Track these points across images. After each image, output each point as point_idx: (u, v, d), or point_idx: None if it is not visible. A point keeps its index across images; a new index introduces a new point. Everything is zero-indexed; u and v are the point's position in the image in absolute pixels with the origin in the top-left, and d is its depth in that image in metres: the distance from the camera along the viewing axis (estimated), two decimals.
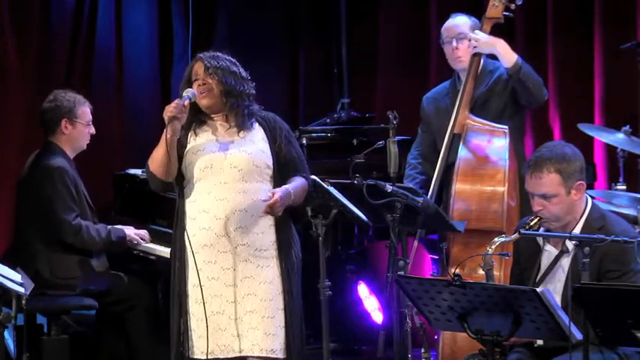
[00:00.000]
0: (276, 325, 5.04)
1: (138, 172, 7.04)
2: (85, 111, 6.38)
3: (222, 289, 5.02)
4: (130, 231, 6.38)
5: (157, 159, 5.05)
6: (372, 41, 8.54)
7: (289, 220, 5.18)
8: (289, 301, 5.08)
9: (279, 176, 5.13)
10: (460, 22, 6.04)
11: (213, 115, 5.15)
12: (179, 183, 5.12)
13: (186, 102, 5.00)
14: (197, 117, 5.13)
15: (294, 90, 8.68)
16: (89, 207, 6.35)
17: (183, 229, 5.06)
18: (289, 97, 8.62)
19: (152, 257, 6.36)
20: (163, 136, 4.99)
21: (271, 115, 5.24)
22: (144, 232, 6.44)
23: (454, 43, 5.98)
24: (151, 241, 6.42)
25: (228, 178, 5.03)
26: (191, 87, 5.10)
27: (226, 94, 5.09)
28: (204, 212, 5.03)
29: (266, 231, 5.08)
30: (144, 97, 8.09)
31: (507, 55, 5.84)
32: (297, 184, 5.12)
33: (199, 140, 5.11)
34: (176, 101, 5.00)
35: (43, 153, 6.33)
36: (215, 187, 5.03)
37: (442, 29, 6.10)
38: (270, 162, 5.09)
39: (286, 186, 5.08)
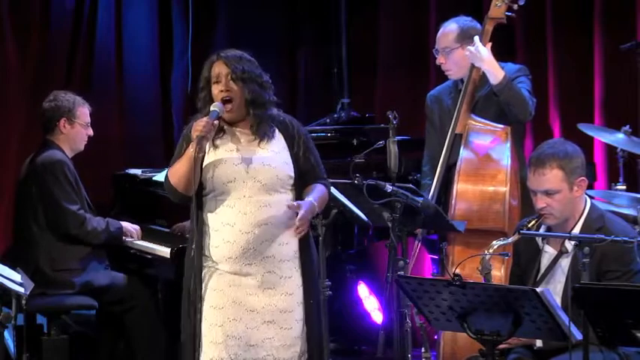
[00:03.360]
0: (292, 336, 4.95)
1: (138, 172, 7.05)
2: (83, 112, 6.41)
3: (243, 297, 4.90)
4: (126, 224, 6.41)
5: (179, 174, 4.86)
6: (372, 41, 8.54)
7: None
8: (310, 312, 4.99)
9: (299, 183, 4.99)
10: (447, 33, 6.00)
11: (232, 123, 4.97)
12: (197, 194, 4.91)
13: (216, 121, 4.81)
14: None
15: (294, 90, 8.68)
16: (88, 205, 6.37)
17: (203, 237, 4.90)
18: (289, 97, 8.62)
19: (149, 257, 6.36)
20: (189, 153, 4.81)
21: (288, 119, 5.06)
22: (136, 228, 6.45)
23: (440, 57, 5.99)
24: (151, 241, 6.42)
25: (251, 192, 4.88)
26: (210, 88, 4.92)
27: (251, 103, 4.91)
28: (228, 225, 4.87)
29: (289, 241, 4.95)
30: (144, 97, 8.09)
31: (494, 72, 5.81)
32: (319, 193, 4.97)
33: (220, 152, 4.92)
34: (205, 119, 4.79)
35: (41, 150, 6.36)
36: (238, 200, 4.88)
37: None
38: (292, 172, 4.95)
39: (309, 199, 4.91)
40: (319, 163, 5.08)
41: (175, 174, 4.90)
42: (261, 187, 4.88)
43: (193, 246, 4.93)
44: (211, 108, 4.85)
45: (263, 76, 5.00)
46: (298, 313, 4.97)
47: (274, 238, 4.91)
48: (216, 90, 4.92)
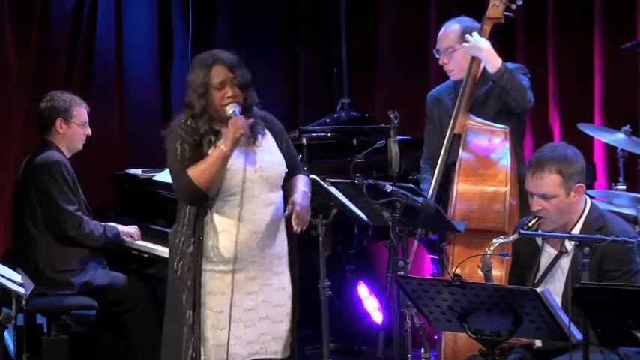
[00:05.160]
0: (283, 329, 5.05)
1: (137, 172, 7.05)
2: (80, 112, 6.39)
3: (241, 297, 4.97)
4: (123, 227, 6.41)
5: (209, 174, 4.84)
6: (372, 41, 8.54)
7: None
8: (296, 306, 5.09)
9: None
10: (449, 33, 6.01)
11: (217, 126, 4.96)
12: None
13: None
14: (211, 127, 4.94)
15: (294, 90, 8.68)
16: (86, 207, 6.37)
17: (201, 237, 4.91)
18: (289, 97, 8.62)
19: (146, 256, 6.36)
20: (222, 153, 4.83)
21: (269, 117, 5.11)
22: (133, 230, 6.44)
23: (442, 57, 5.99)
24: (151, 241, 6.42)
25: (259, 191, 4.94)
26: (207, 92, 4.89)
27: (248, 107, 4.97)
28: (235, 226, 4.92)
29: (282, 237, 5.05)
30: (144, 97, 8.10)
31: (492, 60, 5.82)
32: (304, 182, 5.07)
33: None
34: (242, 119, 4.84)
35: (40, 150, 6.35)
36: (247, 200, 4.92)
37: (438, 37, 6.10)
38: (286, 168, 5.05)
39: (301, 189, 5.00)
40: (297, 157, 5.22)
41: (203, 175, 4.85)
42: (267, 185, 4.96)
43: (190, 250, 4.92)
44: (232, 109, 4.86)
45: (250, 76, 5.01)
46: (288, 306, 5.07)
47: (276, 234, 5.00)
48: (220, 95, 4.90)
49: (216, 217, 4.94)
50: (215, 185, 4.87)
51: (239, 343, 4.96)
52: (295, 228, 4.93)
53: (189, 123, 4.95)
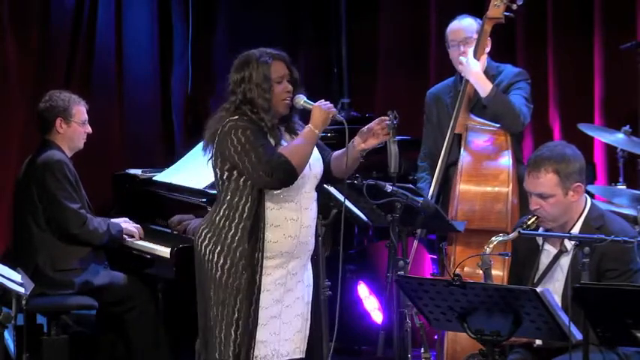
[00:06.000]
0: (308, 326, 5.11)
1: (137, 172, 7.05)
2: (80, 110, 6.40)
3: (282, 294, 5.01)
4: (127, 224, 6.41)
5: (305, 155, 4.90)
6: (372, 41, 8.54)
7: None
8: (317, 302, 5.18)
9: None
10: (466, 25, 5.99)
11: (275, 121, 5.02)
12: (260, 190, 4.93)
13: None
14: (272, 122, 4.98)
15: None
16: (88, 206, 6.37)
17: (260, 232, 4.93)
18: None
19: (149, 257, 6.35)
20: (311, 134, 4.92)
21: None
22: (135, 229, 6.44)
23: (461, 48, 5.95)
24: (151, 241, 6.42)
25: (310, 186, 5.03)
26: (272, 87, 4.97)
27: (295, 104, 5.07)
28: (292, 220, 4.97)
29: (314, 233, 5.13)
30: (144, 97, 8.09)
31: (481, 85, 5.81)
32: None
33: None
34: (328, 103, 5.03)
35: (41, 150, 6.36)
36: (300, 196, 4.98)
37: (447, 31, 6.04)
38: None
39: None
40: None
41: (299, 154, 4.88)
42: (316, 181, 5.06)
43: (247, 244, 4.91)
44: (303, 99, 5.04)
45: None
46: (311, 303, 5.13)
47: (314, 231, 5.08)
48: (279, 89, 5.01)
49: (274, 212, 4.97)
50: (304, 168, 4.94)
51: (277, 340, 4.99)
52: (384, 123, 5.06)
53: (246, 118, 4.93)
